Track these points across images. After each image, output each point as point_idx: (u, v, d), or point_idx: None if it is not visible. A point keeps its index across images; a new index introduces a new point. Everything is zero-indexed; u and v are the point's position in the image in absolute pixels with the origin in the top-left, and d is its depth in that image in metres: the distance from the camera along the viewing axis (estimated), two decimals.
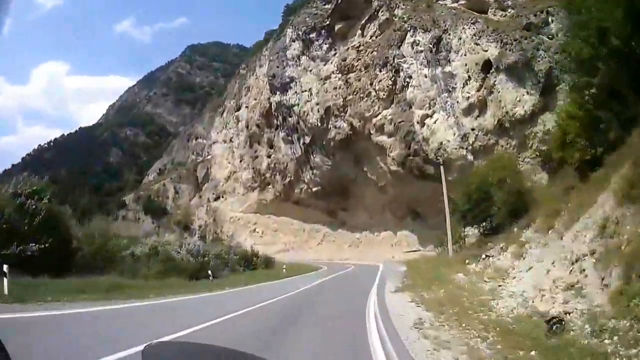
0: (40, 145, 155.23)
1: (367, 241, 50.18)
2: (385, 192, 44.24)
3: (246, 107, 70.56)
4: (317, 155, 52.78)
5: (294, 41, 55.51)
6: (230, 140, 74.99)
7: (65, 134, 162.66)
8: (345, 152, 47.58)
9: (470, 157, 30.38)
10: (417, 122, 34.97)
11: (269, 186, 64.05)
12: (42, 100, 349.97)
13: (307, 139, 53.76)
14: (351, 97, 43.72)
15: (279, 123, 60.09)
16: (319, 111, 50.03)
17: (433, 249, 31.32)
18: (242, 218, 68.31)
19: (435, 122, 33.21)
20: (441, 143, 32.45)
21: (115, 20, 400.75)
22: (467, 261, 17.40)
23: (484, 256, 16.16)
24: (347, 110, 44.86)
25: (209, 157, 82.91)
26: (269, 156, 63.65)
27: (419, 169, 36.03)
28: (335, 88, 47.42)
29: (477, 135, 29.72)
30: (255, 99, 67.73)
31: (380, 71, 39.05)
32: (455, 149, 31.35)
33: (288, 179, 59.50)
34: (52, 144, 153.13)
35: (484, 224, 22.11)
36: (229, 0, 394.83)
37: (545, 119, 25.03)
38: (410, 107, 35.85)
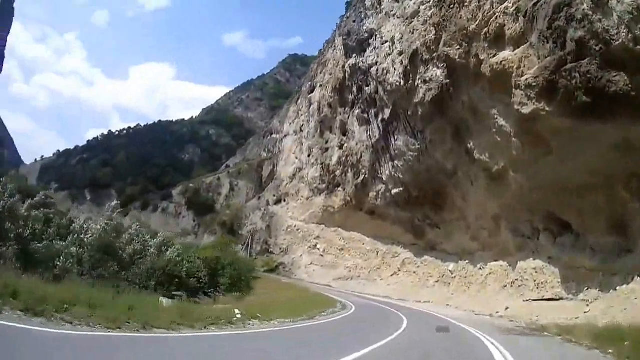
0: (110, 131, 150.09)
1: (463, 276, 28.52)
2: (502, 187, 22.31)
3: (320, 85, 54.64)
4: (400, 137, 33.81)
5: None
6: (301, 130, 59.42)
7: (142, 125, 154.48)
8: (439, 122, 27.65)
9: None
10: None
11: (338, 188, 46.62)
12: (142, 101, 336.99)
13: (387, 113, 35.36)
14: (447, 13, 24.18)
15: (353, 97, 43.15)
16: (402, 63, 31.28)
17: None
18: (302, 229, 51.29)
19: None
20: None
21: (225, 31, 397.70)
22: None
23: None
24: (440, 44, 25.29)
25: (278, 152, 68.27)
26: (340, 146, 46.63)
27: (591, 85, 14.55)
28: (425, 21, 28.43)
29: None
30: (330, 74, 51.47)
31: None
32: None
33: (362, 177, 41.47)
34: (124, 131, 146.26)
35: None
36: None
37: None
38: None
